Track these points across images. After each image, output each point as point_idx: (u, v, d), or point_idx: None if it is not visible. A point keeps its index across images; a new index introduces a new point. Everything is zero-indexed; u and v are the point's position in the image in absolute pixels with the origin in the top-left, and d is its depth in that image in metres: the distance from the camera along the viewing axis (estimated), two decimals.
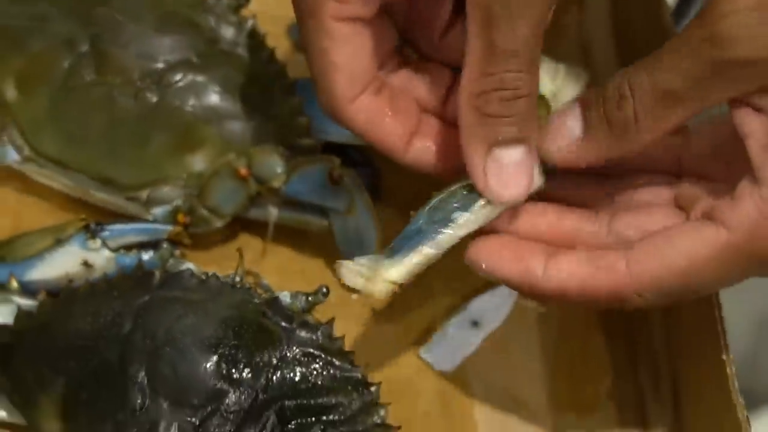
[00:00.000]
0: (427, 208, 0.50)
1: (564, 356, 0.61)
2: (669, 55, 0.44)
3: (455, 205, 0.49)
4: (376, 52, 0.50)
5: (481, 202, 0.48)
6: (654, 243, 0.46)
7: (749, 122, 0.44)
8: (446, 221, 0.49)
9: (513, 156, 0.47)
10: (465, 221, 0.49)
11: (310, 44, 0.50)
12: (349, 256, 0.60)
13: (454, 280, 0.59)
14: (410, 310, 0.61)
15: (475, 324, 0.61)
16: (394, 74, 0.52)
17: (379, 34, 0.50)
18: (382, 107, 0.51)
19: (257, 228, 0.62)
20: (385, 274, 0.48)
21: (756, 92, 0.43)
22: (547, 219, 0.50)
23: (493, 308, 0.61)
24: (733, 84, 0.43)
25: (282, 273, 0.62)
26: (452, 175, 0.50)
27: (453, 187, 0.50)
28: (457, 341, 0.60)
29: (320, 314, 0.55)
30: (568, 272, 0.47)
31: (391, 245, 0.50)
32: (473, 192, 0.49)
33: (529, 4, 0.45)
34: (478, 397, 0.59)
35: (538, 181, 0.49)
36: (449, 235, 0.49)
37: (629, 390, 0.60)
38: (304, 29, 0.50)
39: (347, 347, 0.55)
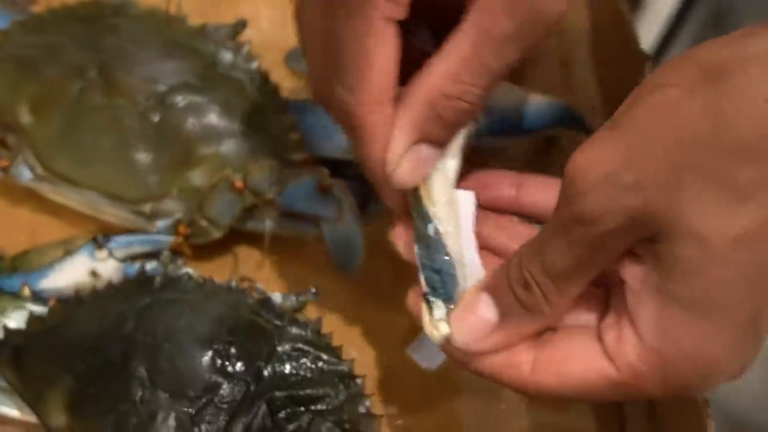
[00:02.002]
0: (415, 238, 0.50)
1: None
2: (549, 240, 0.44)
3: (422, 221, 0.50)
4: (399, 58, 0.49)
5: (423, 197, 0.49)
6: (555, 357, 0.46)
7: (628, 270, 0.44)
8: (435, 242, 0.49)
9: (430, 154, 0.49)
10: (442, 225, 0.49)
11: (349, 44, 0.48)
12: (340, 261, 0.63)
13: None
14: (397, 310, 0.63)
15: None
16: None
17: (404, 38, 0.50)
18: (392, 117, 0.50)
19: (256, 240, 0.64)
20: None
21: (635, 243, 0.43)
22: None
23: None
24: (612, 248, 0.43)
25: (278, 281, 0.64)
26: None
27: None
28: None
29: (312, 317, 0.58)
30: (487, 366, 0.48)
31: (426, 287, 0.49)
32: (415, 195, 0.50)
33: (523, 36, 0.46)
34: (462, 394, 0.61)
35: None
36: (451, 244, 0.49)
37: None
38: (345, 30, 0.48)
39: (336, 345, 0.57)
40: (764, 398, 1.02)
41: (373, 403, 0.56)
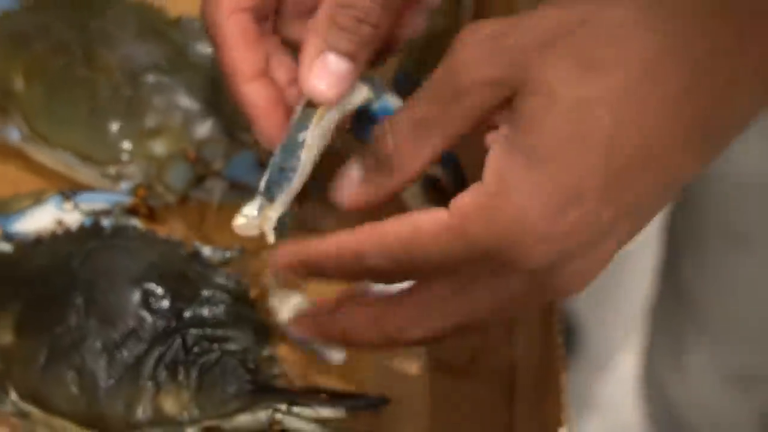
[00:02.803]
0: (280, 144, 0.55)
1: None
2: (419, 93, 0.49)
3: (296, 129, 0.54)
4: None
5: (316, 115, 0.54)
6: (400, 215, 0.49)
7: (490, 137, 0.48)
8: (296, 147, 0.53)
9: (339, 66, 0.54)
10: (310, 138, 0.53)
11: None
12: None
13: None
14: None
15: None
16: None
17: None
18: (251, 32, 0.56)
19: (205, 207, 0.71)
20: (271, 216, 0.54)
21: (494, 111, 0.48)
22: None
23: None
24: (473, 105, 0.47)
25: (219, 243, 0.70)
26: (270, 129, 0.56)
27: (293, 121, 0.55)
28: None
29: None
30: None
31: (262, 185, 0.54)
32: (306, 110, 0.54)
33: None
34: (369, 361, 0.67)
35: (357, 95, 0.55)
36: (304, 158, 0.53)
37: (503, 362, 0.68)
38: None
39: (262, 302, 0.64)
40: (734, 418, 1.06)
41: (277, 350, 0.62)
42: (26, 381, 0.61)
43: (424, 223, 0.48)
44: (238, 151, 0.69)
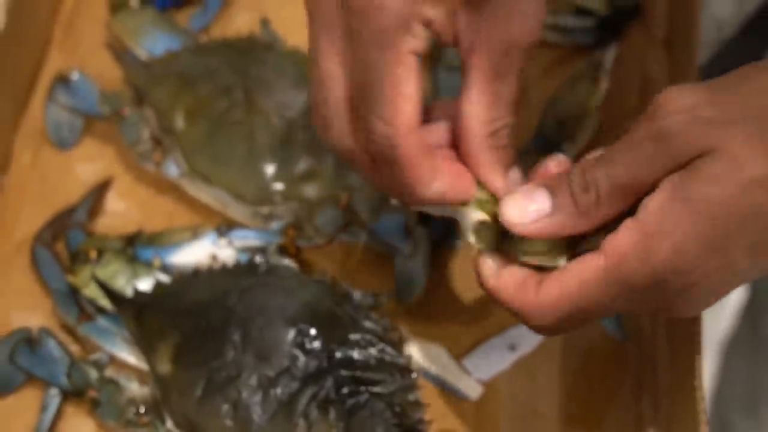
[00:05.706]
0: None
1: (579, 381, 0.66)
2: (622, 154, 0.49)
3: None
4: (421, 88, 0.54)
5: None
6: (559, 274, 0.51)
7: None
8: None
9: (516, 173, 0.55)
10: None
11: (381, 74, 0.50)
12: (400, 291, 0.68)
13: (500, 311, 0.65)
14: (460, 329, 0.68)
15: (511, 347, 0.67)
16: None
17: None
18: (428, 143, 0.53)
19: (348, 251, 0.71)
20: None
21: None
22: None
23: (528, 336, 0.67)
24: (670, 166, 0.49)
25: (360, 287, 0.69)
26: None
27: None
28: (494, 358, 0.67)
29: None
30: (502, 285, 0.53)
31: None
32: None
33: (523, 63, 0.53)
34: (503, 404, 0.65)
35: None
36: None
37: (630, 416, 0.65)
38: (376, 60, 0.50)
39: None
40: None
41: (422, 396, 0.61)
42: (182, 410, 0.61)
43: (587, 274, 0.50)
44: (387, 209, 0.68)
